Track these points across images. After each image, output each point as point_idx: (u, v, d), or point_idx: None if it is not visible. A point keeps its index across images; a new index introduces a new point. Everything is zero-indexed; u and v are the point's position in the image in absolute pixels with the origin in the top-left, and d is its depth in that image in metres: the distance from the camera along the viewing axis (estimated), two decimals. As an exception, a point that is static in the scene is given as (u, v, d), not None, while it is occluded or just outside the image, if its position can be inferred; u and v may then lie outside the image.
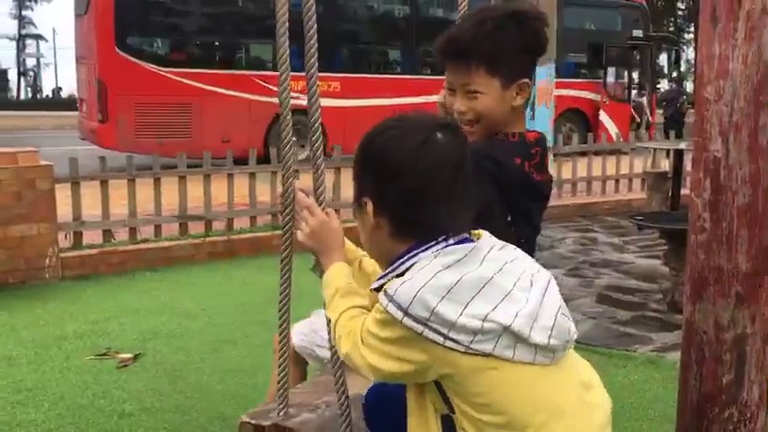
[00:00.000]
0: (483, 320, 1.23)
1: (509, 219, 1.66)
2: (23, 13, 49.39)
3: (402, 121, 1.42)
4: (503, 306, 1.25)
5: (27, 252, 5.20)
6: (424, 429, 1.37)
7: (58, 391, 3.44)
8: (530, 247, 1.79)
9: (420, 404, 1.38)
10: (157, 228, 6.16)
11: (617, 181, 9.05)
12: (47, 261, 5.28)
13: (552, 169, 8.55)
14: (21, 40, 49.76)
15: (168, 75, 12.18)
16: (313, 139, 1.70)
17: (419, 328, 1.24)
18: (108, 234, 5.98)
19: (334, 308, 1.47)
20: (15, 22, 49.29)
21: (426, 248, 1.33)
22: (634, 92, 16.43)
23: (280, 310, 1.76)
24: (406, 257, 1.34)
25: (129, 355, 3.87)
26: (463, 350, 1.24)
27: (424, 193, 1.35)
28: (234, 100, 12.32)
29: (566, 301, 1.38)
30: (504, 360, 1.25)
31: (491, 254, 1.34)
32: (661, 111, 18.43)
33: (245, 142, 10.30)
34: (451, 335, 1.23)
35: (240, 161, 6.80)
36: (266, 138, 12.55)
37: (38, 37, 51.54)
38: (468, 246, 1.34)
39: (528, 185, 1.74)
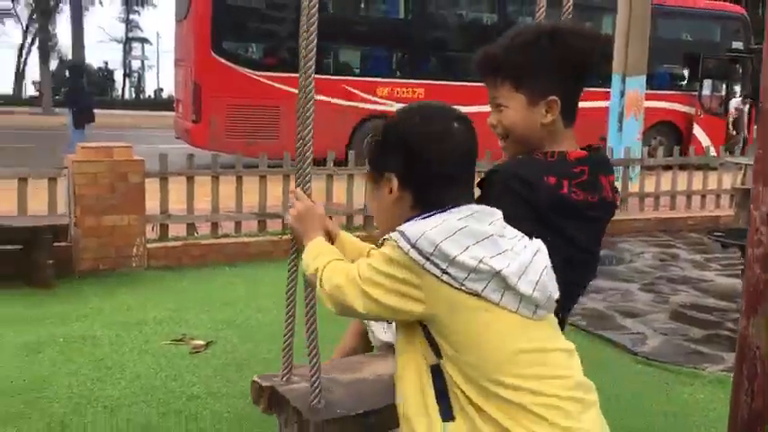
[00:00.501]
0: (479, 262, 1.39)
1: (549, 239, 1.62)
2: (131, 17, 51.94)
3: (425, 110, 1.65)
4: (498, 257, 1.42)
5: (117, 241, 5.52)
6: (416, 381, 1.47)
7: (134, 370, 3.66)
8: (582, 269, 1.78)
9: (410, 358, 1.50)
10: (237, 224, 6.41)
11: (703, 196, 8.73)
12: (134, 250, 5.59)
13: (636, 182, 8.37)
14: (127, 42, 52.35)
15: (259, 78, 12.60)
16: (303, 133, 1.86)
17: (422, 260, 1.40)
18: (192, 228, 6.27)
19: (320, 261, 1.63)
20: (123, 26, 51.95)
21: (437, 212, 1.50)
22: (733, 106, 15.74)
23: (287, 291, 2.00)
24: (420, 217, 1.50)
25: (201, 343, 4.06)
26: (458, 286, 1.39)
27: (443, 173, 1.55)
28: (320, 104, 12.54)
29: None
30: (490, 302, 1.41)
31: (498, 222, 1.51)
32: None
33: (329, 145, 10.56)
34: (449, 270, 1.39)
35: (320, 163, 6.97)
36: (350, 142, 12.80)
37: (143, 40, 54.11)
38: (476, 207, 1.53)
39: (564, 205, 1.71)
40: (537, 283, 1.44)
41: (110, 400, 3.30)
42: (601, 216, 1.81)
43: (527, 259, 1.45)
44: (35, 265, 5.09)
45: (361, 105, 13.37)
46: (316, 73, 1.92)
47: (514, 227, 1.54)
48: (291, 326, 1.99)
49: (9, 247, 5.18)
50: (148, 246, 5.75)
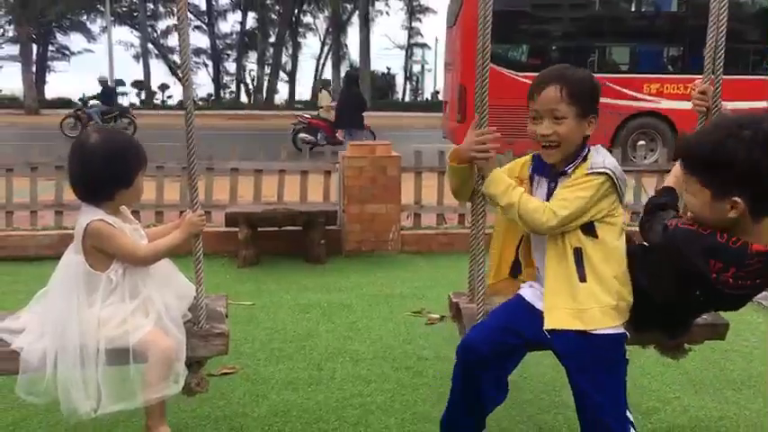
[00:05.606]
0: None
1: (697, 293, 1.93)
2: (413, 24, 55.25)
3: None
4: None
5: (376, 227, 6.34)
6: (563, 259, 2.11)
7: (378, 333, 4.33)
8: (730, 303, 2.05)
9: (559, 244, 2.13)
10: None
11: None
12: (390, 235, 6.36)
13: None
14: (409, 48, 55.81)
15: (522, 79, 12.92)
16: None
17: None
18: (441, 218, 6.91)
19: (512, 194, 2.33)
20: (405, 33, 55.47)
21: None
22: None
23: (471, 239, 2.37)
24: None
25: (437, 316, 4.63)
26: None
27: None
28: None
29: None
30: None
31: None
32: None
33: (591, 143, 10.61)
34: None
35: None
36: (612, 140, 12.71)
37: (423, 46, 57.28)
38: None
39: (714, 286, 1.87)
40: None
41: (356, 354, 3.99)
42: (750, 292, 1.92)
43: None
44: (311, 243, 6.09)
45: (627, 103, 13.12)
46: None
47: (669, 274, 1.94)
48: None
49: (292, 228, 6.24)
50: (403, 232, 6.49)
